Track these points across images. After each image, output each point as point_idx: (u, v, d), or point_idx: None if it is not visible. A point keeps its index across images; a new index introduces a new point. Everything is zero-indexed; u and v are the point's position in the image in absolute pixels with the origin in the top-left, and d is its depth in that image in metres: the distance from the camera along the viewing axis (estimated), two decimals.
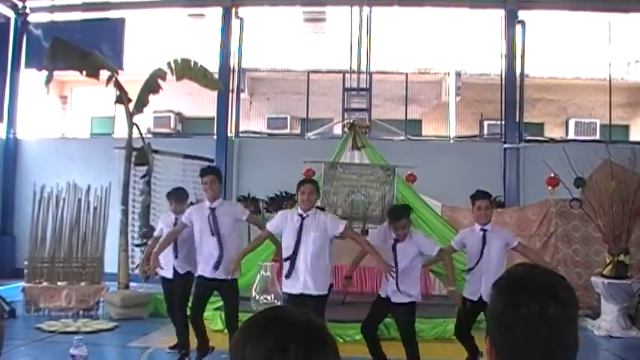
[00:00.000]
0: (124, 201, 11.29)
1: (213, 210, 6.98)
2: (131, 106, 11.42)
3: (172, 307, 7.95)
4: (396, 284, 6.71)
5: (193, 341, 7.43)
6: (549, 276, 1.50)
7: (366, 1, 15.98)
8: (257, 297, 3.12)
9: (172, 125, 17.02)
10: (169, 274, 7.81)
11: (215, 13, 16.26)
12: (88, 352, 3.42)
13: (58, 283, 10.61)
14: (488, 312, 1.51)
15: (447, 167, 14.41)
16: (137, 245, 11.56)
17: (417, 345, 6.84)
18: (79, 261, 10.90)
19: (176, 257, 7.70)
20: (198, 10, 17.18)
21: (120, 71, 12.23)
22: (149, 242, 8.58)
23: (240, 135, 16.15)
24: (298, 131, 17.07)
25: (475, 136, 16.77)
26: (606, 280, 9.98)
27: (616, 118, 16.24)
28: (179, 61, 11.39)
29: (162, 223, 8.20)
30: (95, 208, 11.17)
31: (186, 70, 11.40)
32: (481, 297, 6.75)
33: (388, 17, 16.44)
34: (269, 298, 3.09)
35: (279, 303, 3.16)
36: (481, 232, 6.89)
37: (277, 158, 14.68)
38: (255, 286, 3.25)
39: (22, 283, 10.69)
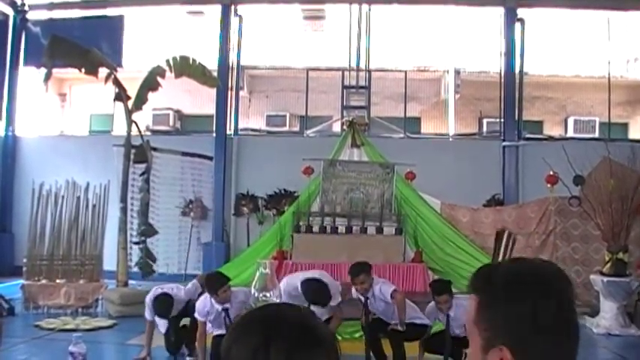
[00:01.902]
0: (123, 198, 11.28)
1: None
2: (130, 103, 11.41)
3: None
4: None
5: None
6: (542, 262, 1.45)
7: None
8: (256, 294, 3.11)
9: (171, 123, 17.00)
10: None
11: (214, 10, 16.23)
12: (86, 349, 3.41)
13: (57, 281, 10.60)
14: (503, 321, 1.35)
15: (446, 165, 14.41)
16: (136, 243, 11.56)
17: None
18: (77, 258, 10.89)
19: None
20: (197, 8, 17.16)
21: (119, 69, 12.20)
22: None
23: (239, 132, 16.13)
24: (297, 129, 17.06)
25: (474, 134, 16.76)
26: (605, 278, 9.97)
27: (615, 116, 16.24)
28: (178, 58, 11.38)
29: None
30: (94, 206, 11.15)
31: (184, 67, 11.39)
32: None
33: (387, 15, 16.43)
34: (268, 295, 3.08)
35: (277, 300, 3.14)
36: (445, 318, 6.90)
37: (276, 156, 14.68)
38: (254, 283, 3.24)
39: (20, 281, 10.69)
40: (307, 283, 7.02)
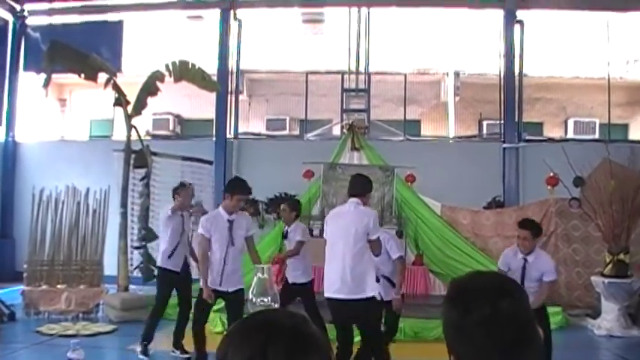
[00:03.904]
0: (123, 203, 11.27)
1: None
2: (130, 108, 11.41)
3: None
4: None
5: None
6: (493, 276, 1.52)
7: (364, 1, 15.98)
8: (254, 299, 3.10)
9: (171, 127, 17.02)
10: None
11: (213, 15, 16.25)
12: (85, 355, 3.40)
13: (58, 286, 10.59)
14: (444, 328, 1.50)
15: (446, 167, 14.40)
16: (136, 248, 11.54)
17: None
18: (78, 264, 10.89)
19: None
20: (196, 12, 17.17)
21: (118, 74, 12.20)
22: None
23: (239, 136, 16.14)
24: (297, 132, 17.08)
25: (474, 136, 16.76)
26: (606, 280, 9.98)
27: (615, 117, 16.23)
28: (177, 63, 11.38)
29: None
30: (94, 211, 11.16)
31: (184, 72, 11.39)
32: None
33: (387, 18, 16.44)
34: (266, 300, 3.08)
35: (276, 305, 3.14)
36: (521, 263, 6.72)
37: (276, 159, 14.67)
38: (252, 288, 3.24)
39: (21, 286, 10.67)
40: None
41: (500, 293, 1.41)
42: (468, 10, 16.11)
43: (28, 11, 16.56)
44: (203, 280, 6.78)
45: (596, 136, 15.88)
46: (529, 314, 1.46)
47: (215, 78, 13.55)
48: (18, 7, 16.39)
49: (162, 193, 12.67)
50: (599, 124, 16.25)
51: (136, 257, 11.55)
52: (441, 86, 17.63)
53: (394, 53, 16.77)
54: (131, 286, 11.16)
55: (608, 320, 9.90)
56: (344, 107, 15.37)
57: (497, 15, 15.77)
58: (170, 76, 11.38)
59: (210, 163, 14.60)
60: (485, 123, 16.66)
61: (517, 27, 15.41)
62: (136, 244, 11.54)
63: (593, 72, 16.67)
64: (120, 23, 16.15)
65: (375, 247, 6.03)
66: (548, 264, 6.57)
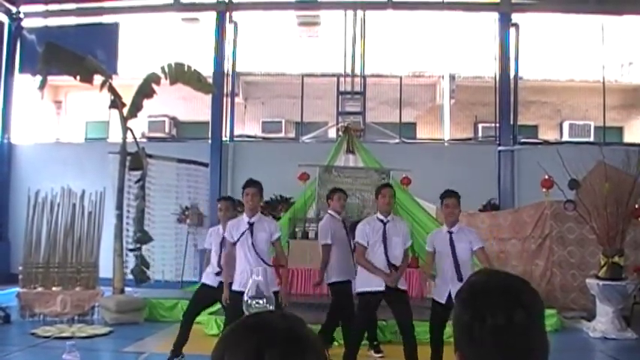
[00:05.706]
0: (119, 206, 11.25)
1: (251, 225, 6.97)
2: (125, 110, 11.39)
3: None
4: None
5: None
6: (511, 282, 1.49)
7: (360, 4, 16.00)
8: (249, 301, 3.11)
9: (167, 130, 17.01)
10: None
11: (209, 17, 16.25)
12: (81, 357, 3.40)
13: (53, 289, 10.57)
14: (454, 326, 1.49)
15: (441, 170, 14.39)
16: (132, 250, 11.52)
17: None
18: (73, 266, 10.86)
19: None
20: (192, 15, 17.16)
21: (114, 76, 12.19)
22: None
23: (235, 139, 16.14)
24: (293, 135, 17.08)
25: (469, 139, 16.79)
26: (601, 282, 9.98)
27: (610, 120, 16.28)
28: (173, 65, 11.36)
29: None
30: (90, 213, 11.14)
31: (179, 74, 11.37)
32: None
33: (382, 21, 16.46)
34: (261, 302, 3.08)
35: (271, 307, 3.14)
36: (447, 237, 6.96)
37: (272, 162, 14.66)
38: (247, 290, 3.25)
39: (16, 289, 10.65)
40: None
41: (515, 302, 1.41)
42: (463, 13, 16.15)
43: (23, 13, 16.54)
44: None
45: (591, 138, 15.93)
46: (541, 324, 1.46)
47: (211, 80, 13.55)
48: (14, 9, 16.37)
49: (157, 196, 12.70)
50: (594, 127, 16.29)
51: (131, 259, 11.54)
52: (436, 89, 17.66)
53: (390, 56, 16.80)
54: (127, 289, 11.14)
55: (603, 322, 9.91)
56: (339, 110, 15.39)
57: (492, 18, 15.81)
58: (166, 78, 11.36)
59: (205, 165, 14.60)
60: (480, 126, 16.70)
61: (512, 30, 15.45)
62: (132, 246, 11.52)
63: (588, 75, 16.73)
64: (116, 25, 16.13)
65: None
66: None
